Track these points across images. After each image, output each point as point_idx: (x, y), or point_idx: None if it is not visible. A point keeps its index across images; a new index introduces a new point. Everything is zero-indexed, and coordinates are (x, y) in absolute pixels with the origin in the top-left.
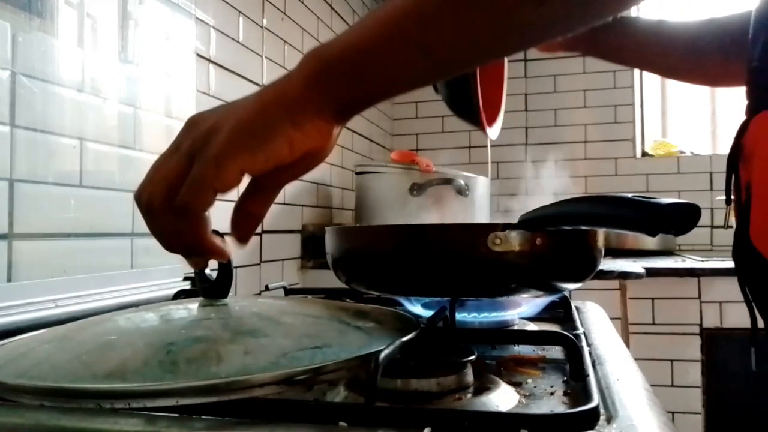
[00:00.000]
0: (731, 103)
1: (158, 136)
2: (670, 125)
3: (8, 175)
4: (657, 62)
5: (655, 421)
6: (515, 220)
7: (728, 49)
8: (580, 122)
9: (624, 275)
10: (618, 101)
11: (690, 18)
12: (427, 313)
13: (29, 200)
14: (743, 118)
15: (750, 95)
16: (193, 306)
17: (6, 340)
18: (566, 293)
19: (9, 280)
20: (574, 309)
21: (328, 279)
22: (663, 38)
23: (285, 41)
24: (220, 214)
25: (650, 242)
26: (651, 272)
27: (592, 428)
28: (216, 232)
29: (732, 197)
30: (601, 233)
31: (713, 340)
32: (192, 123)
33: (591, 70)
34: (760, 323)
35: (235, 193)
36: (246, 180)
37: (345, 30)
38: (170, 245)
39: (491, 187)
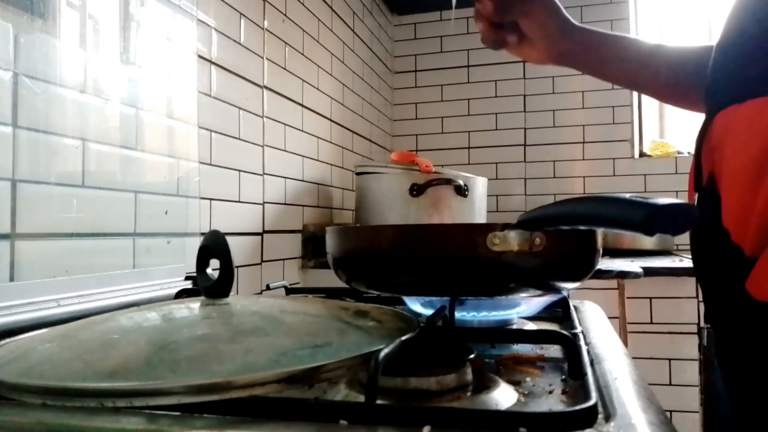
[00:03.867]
0: None
1: (160, 137)
2: (668, 126)
3: (11, 176)
4: (637, 80)
5: (653, 420)
6: (514, 220)
7: (678, 72)
8: (578, 123)
9: (622, 275)
10: (616, 102)
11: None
12: (427, 312)
13: (31, 200)
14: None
15: (707, 102)
16: (194, 305)
17: (8, 339)
18: (565, 293)
19: (11, 279)
20: (572, 308)
21: (329, 278)
22: (642, 56)
23: (286, 43)
24: (221, 213)
25: (648, 242)
26: (649, 272)
27: (591, 426)
28: None
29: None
30: (599, 233)
31: (711, 340)
32: None
33: None
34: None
35: (236, 194)
36: None
37: None
38: None
39: (490, 188)
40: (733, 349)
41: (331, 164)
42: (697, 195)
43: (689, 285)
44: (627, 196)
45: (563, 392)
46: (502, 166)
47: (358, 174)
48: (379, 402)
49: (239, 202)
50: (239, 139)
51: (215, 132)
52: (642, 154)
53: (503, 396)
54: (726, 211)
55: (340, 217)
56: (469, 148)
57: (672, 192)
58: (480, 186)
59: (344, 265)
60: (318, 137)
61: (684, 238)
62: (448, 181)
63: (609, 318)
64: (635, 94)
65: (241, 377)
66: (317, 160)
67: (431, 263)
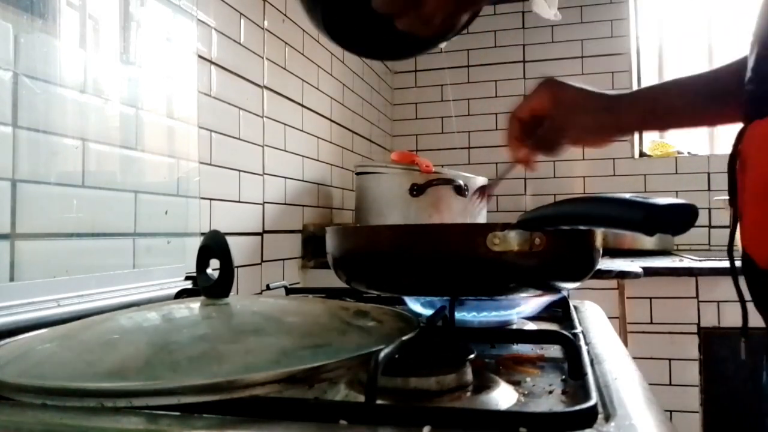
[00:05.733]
0: None
1: (160, 137)
2: None
3: (11, 176)
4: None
5: (653, 420)
6: (514, 220)
7: (720, 94)
8: None
9: (622, 275)
10: None
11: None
12: (427, 312)
13: (32, 200)
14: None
15: (745, 106)
16: (194, 305)
17: (8, 340)
18: (565, 293)
19: (11, 279)
20: (572, 308)
21: (329, 278)
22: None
23: (286, 43)
24: (221, 213)
25: (648, 242)
26: (649, 272)
27: (591, 426)
28: None
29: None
30: (599, 233)
31: (711, 340)
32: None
33: (589, 71)
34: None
35: (236, 194)
36: None
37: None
38: None
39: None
40: None
41: (331, 164)
42: (731, 209)
43: (689, 285)
44: (627, 196)
45: (563, 392)
46: (502, 166)
47: (358, 174)
48: (379, 402)
49: (239, 202)
50: (239, 139)
51: (215, 132)
52: (642, 154)
53: (503, 396)
54: (742, 230)
55: (340, 217)
56: (469, 148)
57: (672, 192)
58: (479, 186)
59: (344, 265)
60: (318, 137)
61: (684, 239)
62: (448, 181)
63: (609, 318)
64: None
65: (242, 377)
66: (317, 160)
67: (431, 263)
